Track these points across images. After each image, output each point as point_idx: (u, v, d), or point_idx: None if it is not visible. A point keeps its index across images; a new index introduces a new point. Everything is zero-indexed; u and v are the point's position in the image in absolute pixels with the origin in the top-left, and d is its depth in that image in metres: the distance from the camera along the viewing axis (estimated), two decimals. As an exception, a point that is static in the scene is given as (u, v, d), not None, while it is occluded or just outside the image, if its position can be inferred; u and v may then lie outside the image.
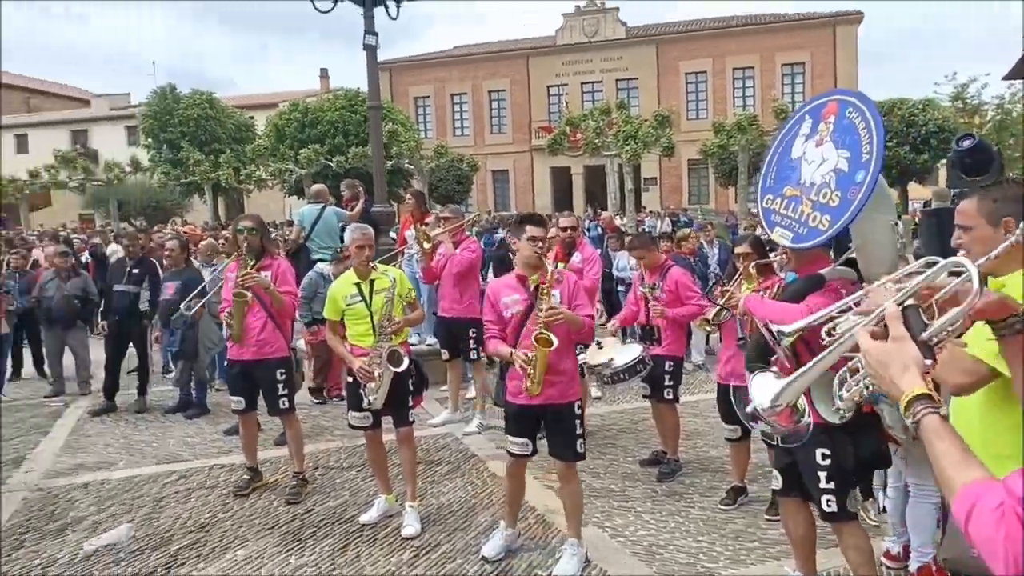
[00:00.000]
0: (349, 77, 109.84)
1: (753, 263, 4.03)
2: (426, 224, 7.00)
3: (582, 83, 38.98)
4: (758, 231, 8.18)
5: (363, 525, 4.51)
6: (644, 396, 5.44)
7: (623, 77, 38.35)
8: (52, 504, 5.08)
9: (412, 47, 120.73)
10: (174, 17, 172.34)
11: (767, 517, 4.44)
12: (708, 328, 4.76)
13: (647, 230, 19.49)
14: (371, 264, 4.44)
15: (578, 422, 3.85)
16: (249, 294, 4.84)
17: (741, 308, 3.73)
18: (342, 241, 8.86)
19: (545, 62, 39.42)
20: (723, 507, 4.66)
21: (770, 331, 3.06)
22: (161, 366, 8.96)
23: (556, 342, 3.59)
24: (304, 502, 4.93)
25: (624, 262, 10.07)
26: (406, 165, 29.14)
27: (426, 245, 6.75)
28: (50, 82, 61.86)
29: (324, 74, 45.53)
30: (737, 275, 4.17)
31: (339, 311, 4.47)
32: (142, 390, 7.76)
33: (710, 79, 37.52)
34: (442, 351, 6.88)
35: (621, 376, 4.77)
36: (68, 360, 8.46)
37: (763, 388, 2.68)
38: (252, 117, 37.49)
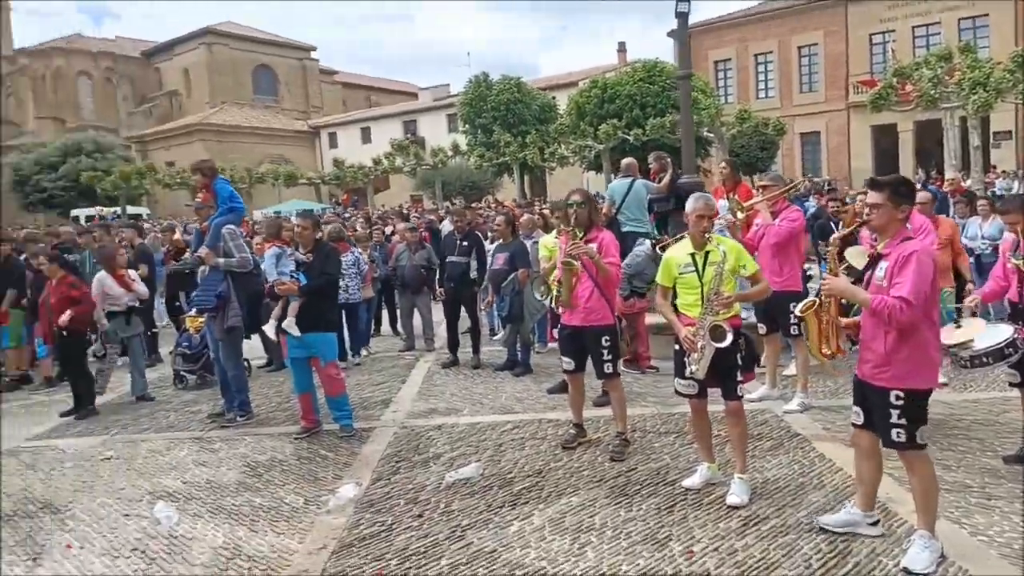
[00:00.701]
0: (645, 48, 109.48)
1: None
2: (762, 188, 6.75)
3: (913, 27, 34.07)
4: None
5: (686, 489, 4.61)
6: (1011, 384, 4.71)
7: (968, 15, 32.64)
8: (416, 440, 6.00)
9: (713, 9, 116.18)
10: (487, 9, 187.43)
11: None
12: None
13: (999, 194, 16.63)
14: (707, 235, 4.43)
15: (894, 412, 3.46)
16: (578, 263, 5.17)
17: None
18: (650, 212, 9.01)
19: (867, 8, 35.11)
20: (1124, 521, 3.89)
21: None
22: (489, 328, 9.99)
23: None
24: (627, 461, 5.19)
25: (975, 230, 8.71)
26: (705, 133, 28.32)
27: (740, 216, 6.56)
28: (386, 79, 72.00)
29: (621, 47, 46.07)
30: None
31: (672, 278, 4.54)
32: (475, 348, 8.76)
33: (1091, 4, 30.34)
34: (759, 325, 6.67)
35: (983, 360, 4.14)
36: (416, 320, 9.87)
37: None
38: (554, 97, 39.43)
